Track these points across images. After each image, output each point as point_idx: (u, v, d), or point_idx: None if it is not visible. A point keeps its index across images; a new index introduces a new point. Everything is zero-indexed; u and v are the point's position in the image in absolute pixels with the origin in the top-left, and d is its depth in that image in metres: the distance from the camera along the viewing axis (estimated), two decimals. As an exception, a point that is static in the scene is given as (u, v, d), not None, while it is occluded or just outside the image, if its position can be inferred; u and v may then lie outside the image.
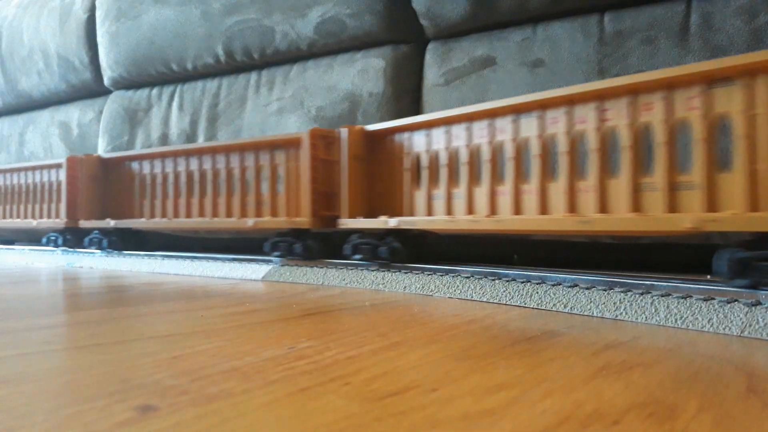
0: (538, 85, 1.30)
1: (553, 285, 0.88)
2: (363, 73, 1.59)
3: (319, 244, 1.32)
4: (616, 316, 0.76)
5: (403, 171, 1.22)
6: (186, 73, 1.99)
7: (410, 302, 0.91)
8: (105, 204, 1.85)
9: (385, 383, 0.45)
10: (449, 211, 1.12)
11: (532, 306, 0.86)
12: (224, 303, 0.89)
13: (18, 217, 2.07)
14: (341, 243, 1.29)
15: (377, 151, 1.28)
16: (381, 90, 1.55)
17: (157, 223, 1.65)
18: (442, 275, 1.03)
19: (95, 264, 1.62)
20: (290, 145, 1.37)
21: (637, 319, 0.74)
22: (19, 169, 2.07)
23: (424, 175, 1.17)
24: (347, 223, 1.26)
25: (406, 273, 1.09)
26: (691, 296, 0.74)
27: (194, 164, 1.59)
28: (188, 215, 1.59)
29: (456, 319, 0.75)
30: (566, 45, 1.29)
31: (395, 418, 0.37)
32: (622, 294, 0.79)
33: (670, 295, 0.75)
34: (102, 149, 2.18)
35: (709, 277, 0.93)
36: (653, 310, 0.74)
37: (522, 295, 0.89)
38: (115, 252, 1.71)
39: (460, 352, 0.56)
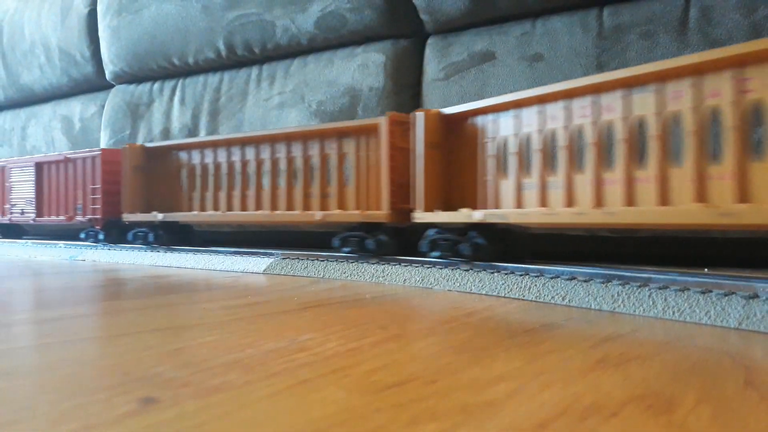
0: (538, 80, 1.30)
1: (552, 278, 0.88)
2: (363, 68, 1.59)
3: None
4: (614, 308, 0.77)
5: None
6: (187, 68, 1.99)
7: (410, 295, 0.91)
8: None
9: (385, 375, 0.45)
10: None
11: (530, 299, 0.86)
12: (226, 296, 0.89)
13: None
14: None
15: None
16: (381, 84, 1.55)
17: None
18: (441, 268, 1.04)
19: (97, 257, 1.62)
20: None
21: (635, 311, 0.75)
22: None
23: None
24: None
25: (405, 266, 1.09)
26: (688, 289, 0.74)
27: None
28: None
29: (455, 312, 0.75)
30: (565, 39, 1.29)
31: (395, 410, 0.37)
32: (620, 287, 0.80)
33: (667, 287, 0.76)
34: (104, 143, 2.18)
35: (707, 270, 0.93)
36: (651, 302, 0.74)
37: (520, 287, 0.89)
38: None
39: (459, 344, 0.56)
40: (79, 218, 1.88)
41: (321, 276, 1.16)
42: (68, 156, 1.92)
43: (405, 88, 1.54)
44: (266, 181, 1.44)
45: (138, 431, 0.33)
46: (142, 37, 2.03)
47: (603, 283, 0.82)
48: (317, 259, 1.23)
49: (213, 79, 1.94)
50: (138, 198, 1.71)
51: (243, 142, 1.50)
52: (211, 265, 1.37)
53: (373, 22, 1.57)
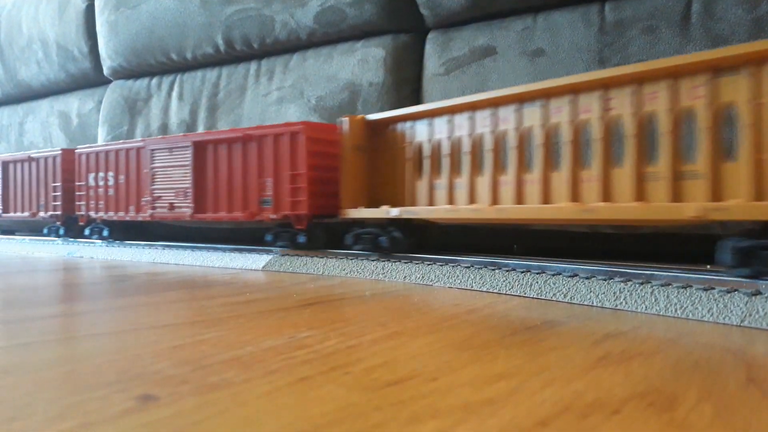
0: (539, 75, 1.29)
1: (553, 275, 0.88)
2: (363, 63, 1.58)
3: None
4: (616, 305, 0.77)
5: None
6: (185, 63, 1.98)
7: (410, 292, 0.91)
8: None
9: (385, 373, 0.45)
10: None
11: (532, 296, 0.86)
12: (225, 293, 0.89)
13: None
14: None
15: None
16: (381, 79, 1.54)
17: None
18: (442, 265, 1.03)
19: (95, 254, 1.62)
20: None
21: (637, 308, 0.74)
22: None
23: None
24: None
25: (406, 263, 1.09)
26: (691, 286, 0.74)
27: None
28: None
29: (456, 309, 0.75)
30: (567, 34, 1.28)
31: (395, 408, 0.37)
32: (622, 284, 0.79)
33: (670, 284, 0.75)
34: (102, 139, 2.18)
35: (709, 267, 0.93)
36: (653, 299, 0.74)
37: (522, 284, 0.89)
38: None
39: (460, 341, 0.56)
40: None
41: (320, 273, 1.16)
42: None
43: (405, 84, 1.54)
44: (592, 160, 0.92)
45: (136, 428, 0.33)
46: (139, 32, 2.02)
47: (605, 280, 0.82)
48: (316, 256, 1.23)
49: (211, 74, 1.93)
50: (360, 188, 1.28)
51: (523, 99, 1.00)
52: (209, 262, 1.36)
53: (372, 17, 1.56)
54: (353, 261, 1.15)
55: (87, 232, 1.81)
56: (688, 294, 0.72)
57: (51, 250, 1.75)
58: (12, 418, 0.35)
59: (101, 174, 1.75)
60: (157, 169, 1.60)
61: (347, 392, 0.40)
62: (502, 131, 1.03)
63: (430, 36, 1.52)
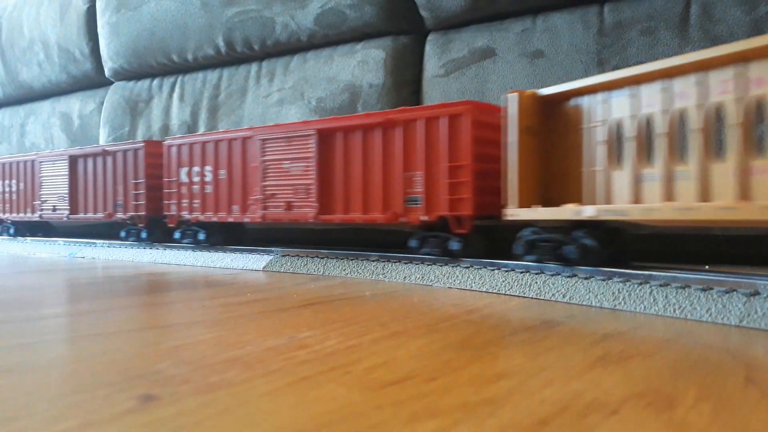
0: (538, 76, 1.29)
1: (552, 275, 0.88)
2: (363, 64, 1.59)
3: None
4: (615, 306, 0.77)
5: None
6: (186, 64, 1.99)
7: (410, 292, 0.91)
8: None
9: (385, 372, 0.45)
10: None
11: (531, 296, 0.86)
12: (226, 293, 0.89)
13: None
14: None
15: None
16: (381, 81, 1.55)
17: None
18: (441, 265, 1.03)
19: (96, 254, 1.62)
20: None
21: (635, 309, 0.75)
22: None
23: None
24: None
25: (406, 263, 1.09)
26: (689, 286, 0.74)
27: None
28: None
29: (455, 309, 0.75)
30: (566, 36, 1.28)
31: (395, 407, 0.37)
32: (620, 284, 0.79)
33: (668, 285, 0.76)
34: (103, 140, 2.18)
35: (707, 267, 0.93)
36: (652, 300, 0.74)
37: (521, 285, 0.89)
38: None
39: (459, 341, 0.56)
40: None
41: (321, 273, 1.16)
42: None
43: (405, 85, 1.54)
44: None
45: (138, 428, 0.33)
46: (141, 33, 2.03)
47: (604, 280, 0.82)
48: (317, 257, 1.23)
49: (212, 75, 1.94)
50: (532, 182, 0.99)
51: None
52: (210, 262, 1.37)
53: (372, 19, 1.57)
54: (353, 261, 1.15)
55: (177, 235, 1.57)
56: (686, 294, 0.72)
57: (51, 250, 1.75)
58: (13, 417, 0.35)
59: (196, 168, 1.51)
60: (269, 163, 1.36)
61: (347, 392, 0.40)
62: (759, 96, 0.69)
63: (429, 38, 1.52)
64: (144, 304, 0.79)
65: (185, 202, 1.53)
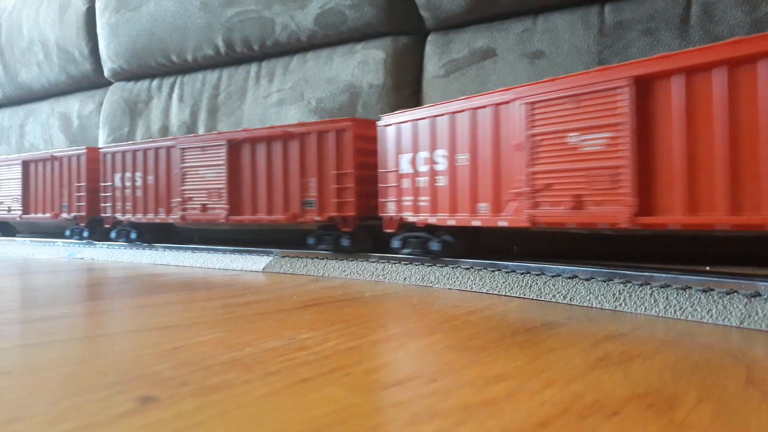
0: (539, 77, 1.29)
1: (553, 276, 0.88)
2: (363, 65, 1.59)
3: None
4: (616, 307, 0.77)
5: None
6: (186, 65, 1.99)
7: (410, 293, 0.91)
8: None
9: (385, 374, 0.45)
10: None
11: (531, 297, 0.86)
12: (225, 294, 0.89)
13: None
14: None
15: None
16: (381, 81, 1.55)
17: None
18: (442, 267, 1.03)
19: (96, 255, 1.62)
20: None
21: (636, 310, 0.75)
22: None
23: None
24: None
25: (406, 264, 1.09)
26: (690, 287, 0.74)
27: None
28: None
29: (456, 310, 0.75)
30: (566, 36, 1.28)
31: (395, 409, 0.37)
32: (621, 285, 0.79)
33: (669, 286, 0.76)
34: (102, 141, 2.18)
35: (708, 268, 0.93)
36: (652, 301, 0.74)
37: (521, 286, 0.89)
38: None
39: (459, 342, 0.56)
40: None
41: (321, 274, 1.16)
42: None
43: (405, 85, 1.54)
44: None
45: (137, 430, 0.33)
46: (140, 34, 2.03)
47: (604, 281, 0.82)
48: (317, 258, 1.23)
49: (212, 76, 1.93)
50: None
51: None
52: (209, 263, 1.37)
53: (372, 19, 1.57)
54: (353, 262, 1.15)
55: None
56: (687, 295, 0.72)
57: (51, 252, 1.75)
58: (11, 419, 0.35)
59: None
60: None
61: (347, 393, 0.40)
62: None
63: (429, 38, 1.52)
64: (143, 306, 0.79)
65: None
